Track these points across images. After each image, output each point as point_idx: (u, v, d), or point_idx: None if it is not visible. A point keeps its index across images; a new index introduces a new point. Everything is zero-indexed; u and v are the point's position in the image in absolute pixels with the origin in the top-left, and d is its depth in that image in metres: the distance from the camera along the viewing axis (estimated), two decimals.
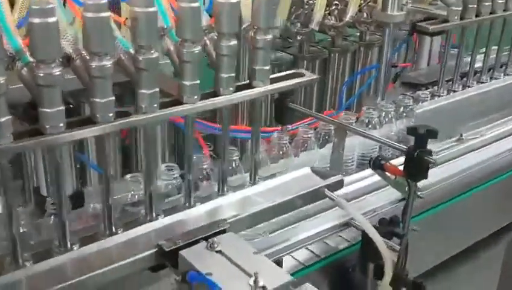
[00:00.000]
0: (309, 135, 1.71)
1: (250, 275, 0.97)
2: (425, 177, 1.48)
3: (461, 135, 2.07)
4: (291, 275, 1.26)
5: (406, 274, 1.57)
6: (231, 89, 1.23)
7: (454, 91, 2.10)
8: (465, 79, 2.15)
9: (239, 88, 1.25)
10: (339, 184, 1.35)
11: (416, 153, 1.44)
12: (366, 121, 1.85)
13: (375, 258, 1.52)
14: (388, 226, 1.53)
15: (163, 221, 1.19)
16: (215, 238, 1.06)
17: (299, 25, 2.36)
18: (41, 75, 0.96)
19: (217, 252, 1.05)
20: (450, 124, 1.97)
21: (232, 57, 1.20)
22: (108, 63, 1.02)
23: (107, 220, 1.13)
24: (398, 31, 2.48)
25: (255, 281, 0.96)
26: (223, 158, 1.29)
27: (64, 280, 0.99)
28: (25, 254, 1.04)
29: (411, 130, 1.46)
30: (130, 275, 1.07)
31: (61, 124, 1.01)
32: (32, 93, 1.03)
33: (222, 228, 1.12)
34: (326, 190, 1.31)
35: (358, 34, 2.69)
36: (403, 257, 1.55)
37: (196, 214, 1.21)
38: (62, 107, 1.00)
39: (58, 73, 0.97)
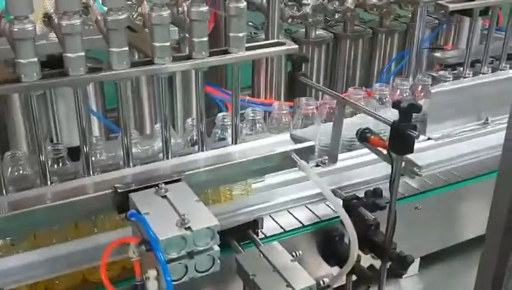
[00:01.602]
0: (311, 108, 1.76)
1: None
2: (410, 151, 1.48)
3: (487, 119, 2.02)
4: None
5: (393, 248, 1.60)
6: (204, 53, 1.31)
7: (483, 73, 2.04)
8: (497, 62, 2.09)
9: (214, 53, 1.34)
10: (310, 150, 1.40)
11: (399, 127, 1.46)
12: (377, 98, 1.87)
13: (357, 227, 1.55)
14: (370, 197, 1.56)
15: (138, 168, 1.31)
16: (163, 185, 1.16)
17: (337, 3, 2.40)
18: (16, 30, 1.11)
19: (162, 197, 1.15)
20: (468, 106, 1.93)
21: (202, 22, 1.28)
22: (77, 21, 1.15)
23: (85, 161, 1.27)
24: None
25: (182, 222, 1.05)
26: (199, 120, 1.38)
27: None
28: None
29: (395, 105, 1.47)
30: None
31: (35, 74, 1.15)
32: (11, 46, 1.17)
33: (177, 178, 1.21)
34: (293, 153, 1.36)
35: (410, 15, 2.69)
36: (390, 230, 1.58)
37: (167, 165, 1.32)
38: (35, 59, 1.14)
39: (30, 28, 1.11)
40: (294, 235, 1.57)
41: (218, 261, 1.09)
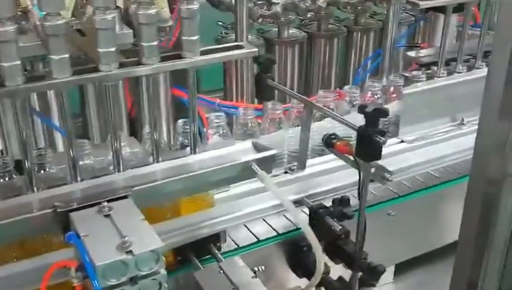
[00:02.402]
0: (278, 112, 1.68)
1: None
2: (378, 158, 1.41)
3: (462, 120, 1.96)
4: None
5: (363, 257, 1.53)
6: (154, 58, 1.23)
7: (459, 72, 1.97)
8: (474, 60, 2.02)
9: (167, 58, 1.26)
10: (270, 159, 1.32)
11: (365, 132, 1.38)
12: (348, 101, 1.80)
13: (324, 237, 1.48)
14: (338, 206, 1.49)
15: (83, 183, 1.22)
16: (106, 203, 1.08)
17: (309, 1, 2.32)
18: None
19: (105, 216, 1.07)
20: (443, 107, 1.86)
21: (151, 25, 1.20)
22: (11, 28, 1.06)
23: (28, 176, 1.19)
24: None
25: (123, 245, 0.97)
26: (153, 128, 1.30)
27: None
28: None
29: (361, 109, 1.40)
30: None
31: None
32: None
33: (123, 194, 1.13)
34: (253, 164, 1.29)
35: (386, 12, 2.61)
36: (360, 239, 1.50)
37: (114, 179, 1.23)
38: None
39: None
40: (262, 247, 1.50)
41: (166, 285, 1.01)
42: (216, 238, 1.41)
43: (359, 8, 2.49)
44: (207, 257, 1.40)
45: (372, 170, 1.45)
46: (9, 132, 1.49)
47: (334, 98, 1.73)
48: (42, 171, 1.39)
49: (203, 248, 1.40)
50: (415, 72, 1.91)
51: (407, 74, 1.91)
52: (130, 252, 0.96)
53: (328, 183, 1.62)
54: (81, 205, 1.10)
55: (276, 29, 2.46)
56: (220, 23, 2.41)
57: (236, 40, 2.06)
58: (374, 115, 1.38)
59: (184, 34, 1.26)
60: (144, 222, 1.05)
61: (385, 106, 1.86)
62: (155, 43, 1.22)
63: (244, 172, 1.31)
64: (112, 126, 1.25)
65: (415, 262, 1.82)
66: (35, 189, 1.21)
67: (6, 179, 1.34)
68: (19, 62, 1.10)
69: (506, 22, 0.99)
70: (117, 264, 0.95)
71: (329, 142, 1.47)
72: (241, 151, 1.35)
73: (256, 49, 1.34)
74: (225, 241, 1.44)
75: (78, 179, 1.24)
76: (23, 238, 1.20)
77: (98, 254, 0.95)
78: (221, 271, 1.29)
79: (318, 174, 1.65)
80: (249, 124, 1.63)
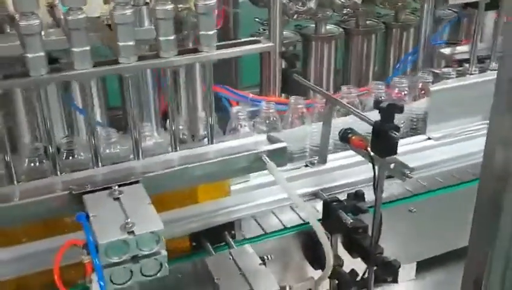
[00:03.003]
0: (300, 106, 1.71)
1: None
2: (393, 153, 1.42)
3: None
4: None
5: (379, 252, 1.54)
6: (172, 52, 1.29)
7: (491, 70, 1.94)
8: None
9: (184, 52, 1.31)
10: (281, 151, 1.36)
11: (380, 128, 1.40)
12: (373, 97, 1.81)
13: (336, 230, 1.51)
14: (352, 200, 1.51)
15: (104, 168, 1.30)
16: (117, 187, 1.15)
17: None
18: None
19: (115, 199, 1.13)
20: (472, 105, 1.84)
21: (168, 20, 1.26)
22: (35, 22, 1.14)
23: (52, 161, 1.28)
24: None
25: (126, 226, 1.03)
26: (172, 121, 1.37)
27: None
28: None
29: (376, 104, 1.41)
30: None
31: None
32: None
33: (134, 179, 1.20)
34: (263, 155, 1.33)
35: None
36: (376, 234, 1.52)
37: (134, 165, 1.30)
38: None
39: None
40: (277, 237, 1.54)
41: (166, 265, 1.07)
42: (230, 226, 1.46)
43: (399, 4, 2.48)
44: (222, 244, 1.45)
45: (392, 165, 1.46)
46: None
47: (358, 94, 1.74)
48: (70, 157, 1.48)
49: (218, 236, 1.45)
50: (445, 69, 1.89)
51: (437, 71, 1.90)
52: (132, 232, 1.02)
53: (347, 177, 1.64)
54: (94, 189, 1.17)
55: (314, 25, 2.48)
56: (257, 19, 2.45)
57: (269, 36, 2.10)
58: (389, 111, 1.39)
59: (201, 29, 1.31)
60: (149, 206, 1.11)
61: (415, 102, 1.89)
62: (172, 37, 1.28)
63: (256, 163, 1.35)
64: (131, 116, 1.32)
65: (437, 260, 1.81)
66: (58, 173, 1.29)
67: (37, 163, 1.44)
68: (43, 54, 1.18)
69: None
70: (119, 243, 1.02)
71: (345, 137, 1.49)
72: (255, 143, 1.39)
73: (272, 44, 1.37)
74: (240, 229, 1.49)
75: (100, 165, 1.32)
76: (45, 220, 1.28)
77: (102, 233, 1.02)
78: (231, 258, 1.34)
79: (338, 168, 1.68)
80: (271, 118, 1.67)
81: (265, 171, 1.57)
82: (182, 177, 1.28)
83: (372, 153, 1.42)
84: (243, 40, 1.42)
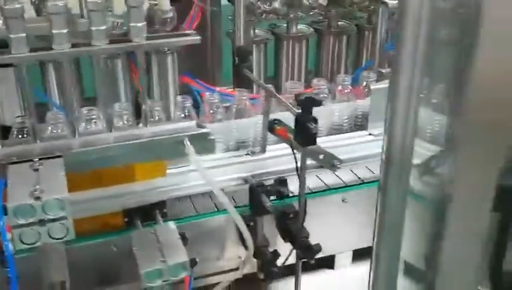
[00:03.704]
0: (244, 98, 1.83)
1: None
2: (312, 143, 1.52)
3: None
4: None
5: (304, 236, 1.65)
6: (103, 40, 1.42)
7: None
8: None
9: (115, 41, 1.44)
10: (202, 136, 1.47)
11: (300, 119, 1.51)
12: (315, 93, 1.91)
13: (260, 213, 1.62)
14: (277, 185, 1.62)
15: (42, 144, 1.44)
16: (37, 160, 1.28)
17: None
18: None
19: (34, 170, 1.27)
20: None
21: (99, 12, 1.39)
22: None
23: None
24: None
25: (34, 192, 1.16)
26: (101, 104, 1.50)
27: None
28: None
29: (296, 98, 1.52)
30: None
31: None
32: None
33: (57, 154, 1.33)
34: (185, 139, 1.44)
35: None
36: (301, 219, 1.63)
37: (67, 142, 1.44)
38: None
39: None
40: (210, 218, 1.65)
41: (72, 229, 1.19)
42: (162, 205, 1.58)
43: (371, 7, 2.56)
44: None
45: (321, 156, 1.56)
46: None
47: (299, 89, 1.84)
48: (20, 136, 1.62)
49: (148, 213, 1.57)
50: (389, 69, 1.98)
51: (383, 70, 1.99)
52: (39, 198, 1.15)
53: (280, 165, 1.74)
54: (18, 160, 1.30)
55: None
56: (230, 17, 2.57)
57: (234, 33, 2.22)
58: (307, 104, 1.50)
59: (131, 21, 1.43)
60: (62, 177, 1.24)
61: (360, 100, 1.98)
62: (103, 27, 1.41)
63: (177, 147, 1.46)
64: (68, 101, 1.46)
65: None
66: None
67: None
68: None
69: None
70: (26, 207, 1.14)
71: (271, 127, 1.60)
72: (183, 128, 1.51)
73: (198, 38, 1.49)
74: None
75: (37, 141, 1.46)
76: None
77: (12, 197, 1.15)
78: (153, 232, 1.46)
79: (276, 157, 1.78)
80: (214, 108, 1.79)
81: (208, 157, 1.72)
82: (105, 155, 1.41)
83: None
84: (172, 33, 1.54)
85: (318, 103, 1.51)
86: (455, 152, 0.74)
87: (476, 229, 0.78)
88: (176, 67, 2.05)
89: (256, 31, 2.47)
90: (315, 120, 1.50)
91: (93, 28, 1.40)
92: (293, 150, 1.54)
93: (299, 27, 2.59)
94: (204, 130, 1.47)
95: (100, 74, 1.52)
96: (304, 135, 1.51)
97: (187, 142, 1.44)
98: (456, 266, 0.81)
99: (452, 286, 0.82)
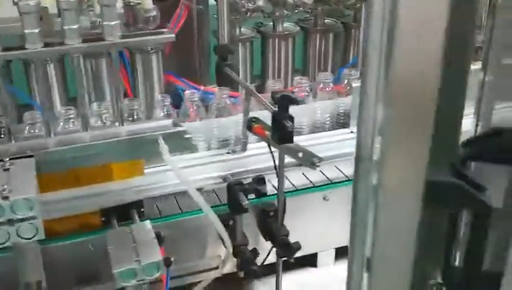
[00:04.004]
0: (224, 96, 1.82)
1: None
2: (289, 141, 1.51)
3: None
4: None
5: (284, 234, 1.64)
6: (76, 39, 1.41)
7: None
8: None
9: (89, 40, 1.44)
10: (177, 135, 1.47)
11: (277, 116, 1.50)
12: (296, 91, 1.90)
13: (239, 211, 1.61)
14: (254, 184, 1.61)
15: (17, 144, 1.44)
16: (8, 160, 1.27)
17: None
18: None
19: (4, 170, 1.26)
20: None
21: (72, 11, 1.38)
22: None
23: None
24: None
25: (3, 190, 1.15)
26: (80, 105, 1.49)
27: None
28: None
29: (272, 96, 1.51)
30: None
31: None
32: None
33: (29, 154, 1.32)
34: (159, 137, 1.44)
35: None
36: (280, 217, 1.62)
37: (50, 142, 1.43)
38: None
39: None
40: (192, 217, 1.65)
41: (42, 229, 1.19)
42: (139, 204, 1.57)
43: (357, 5, 2.55)
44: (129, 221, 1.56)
45: (300, 154, 1.56)
46: None
47: (280, 87, 1.84)
48: None
49: (125, 213, 1.56)
50: None
51: None
52: (7, 198, 1.15)
53: (258, 163, 1.73)
54: None
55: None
56: (215, 16, 2.56)
57: (218, 31, 2.22)
58: (283, 102, 1.49)
59: (105, 20, 1.43)
60: (32, 177, 1.23)
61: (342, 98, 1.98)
62: (75, 26, 1.40)
63: (152, 145, 1.45)
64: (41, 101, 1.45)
65: None
66: None
67: None
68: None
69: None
70: None
71: (249, 125, 1.59)
72: (160, 127, 1.51)
73: (173, 35, 1.49)
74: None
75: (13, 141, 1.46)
76: None
77: None
78: (130, 232, 1.45)
79: (257, 155, 1.77)
80: (194, 106, 1.78)
81: (189, 156, 1.72)
82: (79, 154, 1.40)
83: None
84: (146, 31, 1.53)
85: (295, 101, 1.50)
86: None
87: (405, 221, 0.78)
88: (160, 67, 2.06)
89: (242, 29, 2.45)
90: (291, 118, 1.49)
91: (65, 27, 1.39)
92: (270, 148, 1.53)
93: (285, 25, 2.58)
94: (180, 129, 1.46)
95: (79, 74, 1.51)
96: (280, 132, 1.50)
97: (161, 141, 1.43)
98: (387, 261, 0.81)
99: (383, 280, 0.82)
